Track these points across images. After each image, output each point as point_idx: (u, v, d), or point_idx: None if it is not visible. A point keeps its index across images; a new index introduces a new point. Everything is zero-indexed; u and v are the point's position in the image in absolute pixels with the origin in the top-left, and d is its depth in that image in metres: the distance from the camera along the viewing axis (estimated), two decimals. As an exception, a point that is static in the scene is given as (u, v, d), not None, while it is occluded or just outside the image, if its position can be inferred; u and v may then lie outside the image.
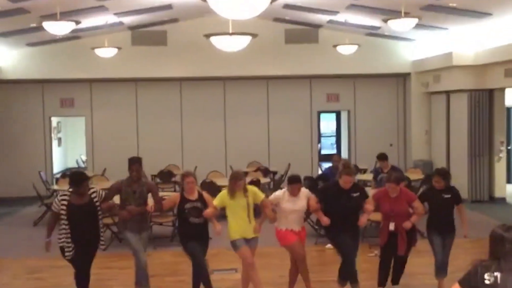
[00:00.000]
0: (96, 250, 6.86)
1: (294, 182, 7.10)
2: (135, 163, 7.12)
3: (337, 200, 7.04)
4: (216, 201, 7.02)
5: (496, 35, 12.64)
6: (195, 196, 7.00)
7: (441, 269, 7.26)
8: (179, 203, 6.99)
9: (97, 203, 6.74)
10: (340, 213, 7.01)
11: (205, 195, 7.14)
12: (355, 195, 7.08)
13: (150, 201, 7.21)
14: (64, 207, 6.58)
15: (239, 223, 6.94)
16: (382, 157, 10.49)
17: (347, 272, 7.12)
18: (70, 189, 6.69)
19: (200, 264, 6.97)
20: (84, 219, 6.60)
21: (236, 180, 6.93)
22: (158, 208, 7.20)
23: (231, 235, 6.95)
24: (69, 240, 6.57)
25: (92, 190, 6.79)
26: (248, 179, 12.56)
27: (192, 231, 6.95)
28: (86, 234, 6.62)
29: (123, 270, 8.22)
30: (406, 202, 7.16)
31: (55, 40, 14.57)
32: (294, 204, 7.07)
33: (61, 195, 6.78)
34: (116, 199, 7.21)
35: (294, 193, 7.07)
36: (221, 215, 7.15)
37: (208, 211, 6.90)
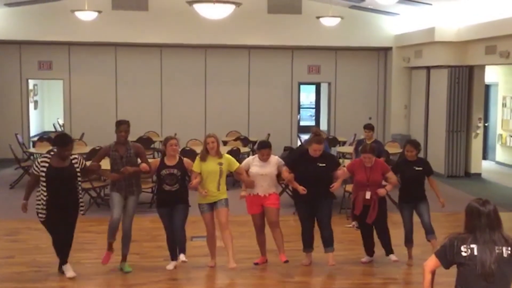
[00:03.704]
0: (74, 216, 6.84)
1: (263, 147, 7.22)
2: (123, 124, 7.10)
3: (303, 168, 7.16)
4: (194, 167, 7.11)
5: (479, 12, 12.70)
6: (174, 162, 7.03)
7: (408, 240, 7.56)
8: (158, 168, 7.06)
9: (78, 169, 6.74)
10: (305, 181, 7.11)
11: (185, 160, 7.18)
12: (321, 165, 7.15)
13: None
14: (44, 169, 6.59)
15: (208, 188, 7.02)
16: (369, 127, 10.52)
17: (304, 241, 7.43)
18: (53, 152, 6.70)
19: (166, 230, 7.16)
20: (62, 182, 6.62)
21: (206, 138, 7.04)
22: (152, 168, 7.19)
23: (198, 198, 7.12)
24: (44, 202, 6.59)
25: (73, 156, 6.82)
26: (227, 148, 12.58)
27: (164, 197, 7.08)
28: (62, 197, 6.63)
29: (102, 234, 8.19)
30: (381, 172, 7.32)
31: (34, 0, 14.28)
32: (261, 168, 7.17)
33: (42, 157, 6.79)
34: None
35: (263, 158, 7.17)
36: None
37: (193, 183, 6.98)
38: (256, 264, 7.46)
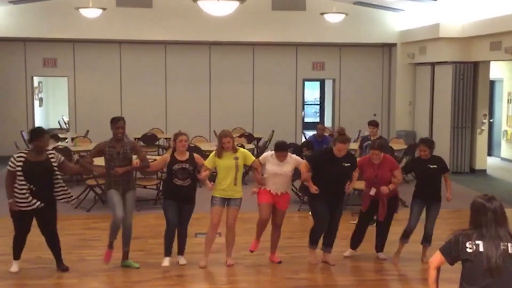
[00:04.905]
0: (51, 212, 6.80)
1: (280, 149, 7.13)
2: (119, 120, 7.05)
3: (328, 167, 7.05)
4: (207, 163, 7.13)
5: (483, 7, 12.66)
6: (185, 157, 7.04)
7: (406, 236, 7.39)
8: (169, 163, 7.05)
9: (54, 164, 6.72)
10: (328, 180, 7.03)
11: (196, 156, 7.22)
12: (346, 165, 7.10)
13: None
14: (21, 163, 6.58)
15: (225, 183, 7.05)
16: (374, 123, 10.48)
17: (315, 238, 7.31)
18: (29, 147, 6.72)
19: (168, 223, 7.10)
20: (39, 176, 6.61)
21: (221, 138, 7.03)
22: (144, 164, 7.22)
23: (213, 191, 7.12)
24: (24, 192, 6.57)
25: (50, 152, 6.82)
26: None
27: (175, 191, 7.06)
28: (41, 192, 6.62)
29: (106, 231, 8.19)
30: (389, 169, 7.26)
31: (39, -2, 14.31)
32: (279, 168, 7.12)
33: (17, 153, 6.75)
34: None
35: (280, 159, 7.11)
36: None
37: (203, 175, 7.01)
38: (251, 251, 7.44)
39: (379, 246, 7.57)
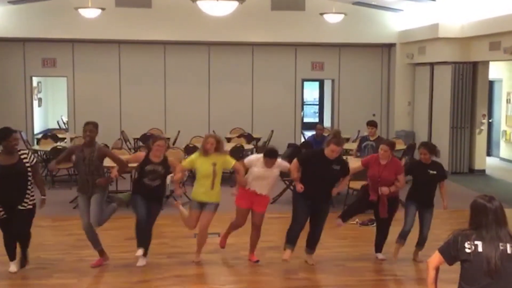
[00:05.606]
0: (25, 212, 6.66)
1: (270, 156, 7.08)
2: (88, 124, 7.00)
3: (315, 167, 7.02)
4: (185, 163, 7.26)
5: (483, 8, 12.66)
6: (159, 159, 7.08)
7: (403, 237, 7.40)
8: (142, 162, 7.11)
9: (27, 164, 6.62)
10: (313, 179, 6.98)
11: (170, 159, 7.26)
12: (335, 167, 7.04)
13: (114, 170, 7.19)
14: None
15: (201, 187, 7.12)
16: (373, 123, 10.47)
17: (291, 236, 7.17)
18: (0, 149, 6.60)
19: (137, 218, 7.04)
20: (13, 179, 6.49)
21: (205, 138, 7.13)
22: (122, 169, 7.23)
23: (191, 194, 7.27)
24: None
25: (22, 152, 6.69)
26: (231, 145, 12.58)
27: (144, 190, 7.07)
28: (13, 194, 6.53)
29: (105, 231, 8.19)
30: (394, 172, 7.23)
31: (38, -2, 14.30)
32: (264, 170, 7.11)
33: None
34: None
35: (268, 166, 7.10)
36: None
37: (176, 177, 7.13)
38: (222, 247, 7.56)
39: (378, 247, 7.57)
